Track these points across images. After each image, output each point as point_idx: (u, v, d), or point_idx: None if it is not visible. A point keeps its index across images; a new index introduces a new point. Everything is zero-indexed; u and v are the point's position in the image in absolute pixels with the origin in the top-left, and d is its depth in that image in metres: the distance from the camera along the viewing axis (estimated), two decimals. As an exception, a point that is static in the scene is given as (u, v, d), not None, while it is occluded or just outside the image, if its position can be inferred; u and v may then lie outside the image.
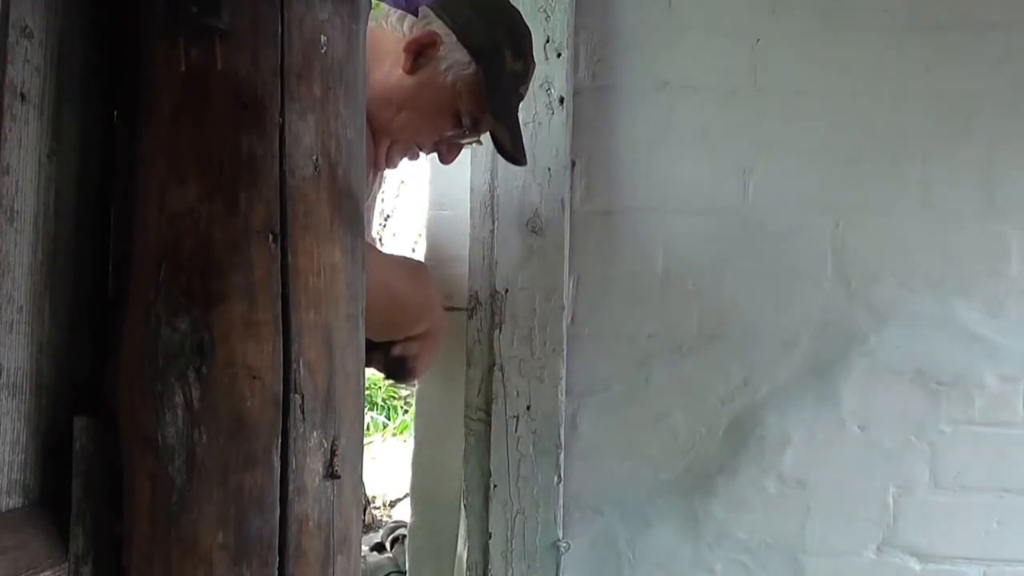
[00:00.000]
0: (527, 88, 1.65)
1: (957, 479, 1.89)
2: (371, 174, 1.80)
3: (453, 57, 1.51)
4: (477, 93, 1.51)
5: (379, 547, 3.29)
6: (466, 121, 1.54)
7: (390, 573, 2.95)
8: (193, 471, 0.76)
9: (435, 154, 1.65)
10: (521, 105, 1.96)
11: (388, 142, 1.58)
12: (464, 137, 1.59)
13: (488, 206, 1.98)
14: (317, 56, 0.82)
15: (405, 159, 1.65)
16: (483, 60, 1.51)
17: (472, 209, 1.99)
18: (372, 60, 1.53)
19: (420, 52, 1.51)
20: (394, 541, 3.24)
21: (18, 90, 0.73)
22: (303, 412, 0.79)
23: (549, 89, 1.98)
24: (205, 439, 0.76)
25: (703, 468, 1.96)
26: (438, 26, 1.51)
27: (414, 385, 1.69)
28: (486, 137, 1.62)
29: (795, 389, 1.93)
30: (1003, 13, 1.92)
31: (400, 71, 1.52)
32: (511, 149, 1.57)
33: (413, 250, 4.25)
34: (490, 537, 1.94)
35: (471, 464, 1.98)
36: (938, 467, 1.89)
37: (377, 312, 1.44)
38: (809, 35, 1.98)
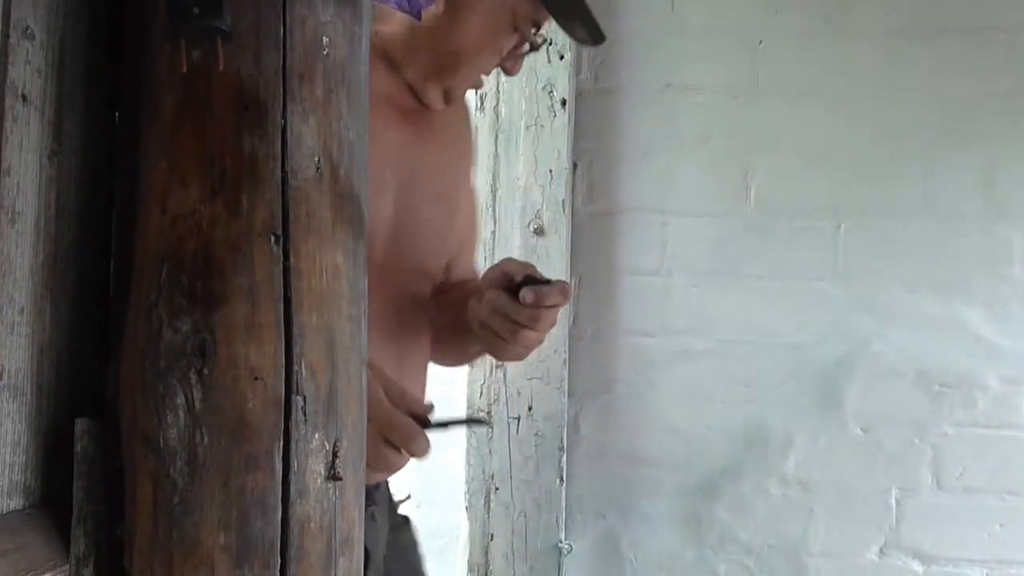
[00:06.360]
0: None
1: (960, 481, 1.89)
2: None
3: None
4: None
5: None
6: (526, 29, 1.37)
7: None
8: (195, 473, 0.75)
9: None
10: (523, 107, 1.97)
11: (440, 90, 1.41)
12: (528, 44, 1.41)
13: (490, 207, 1.98)
14: (319, 58, 0.82)
15: (471, 91, 1.50)
16: None
17: (474, 210, 1.99)
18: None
19: None
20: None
21: (19, 91, 0.73)
22: (305, 414, 0.79)
23: (551, 91, 1.98)
24: (207, 441, 0.76)
25: (706, 470, 1.95)
26: None
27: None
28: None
29: (798, 391, 1.93)
30: (1004, 17, 1.92)
31: (434, 9, 1.30)
32: (591, 28, 1.37)
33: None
34: (492, 539, 1.94)
35: (473, 466, 1.97)
36: (941, 469, 1.89)
37: None
38: (811, 37, 1.98)
